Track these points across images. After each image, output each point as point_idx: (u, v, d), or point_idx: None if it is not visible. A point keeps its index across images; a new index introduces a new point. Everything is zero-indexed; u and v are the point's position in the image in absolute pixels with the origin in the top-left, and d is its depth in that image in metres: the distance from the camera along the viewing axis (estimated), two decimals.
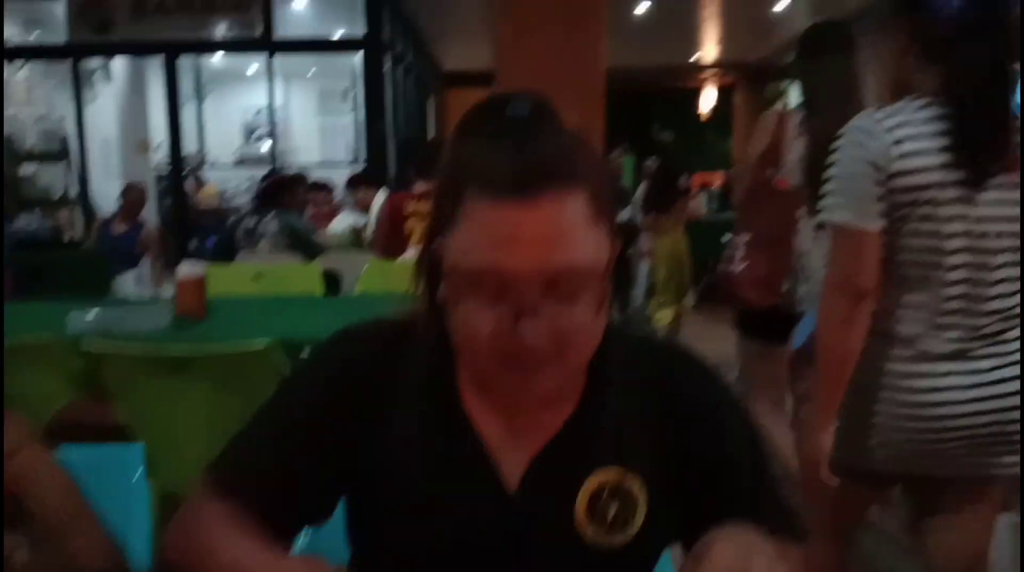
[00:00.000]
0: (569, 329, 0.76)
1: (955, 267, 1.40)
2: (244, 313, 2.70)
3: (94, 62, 7.89)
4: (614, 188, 0.99)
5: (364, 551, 0.92)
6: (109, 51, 7.65)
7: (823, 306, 1.50)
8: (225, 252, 4.14)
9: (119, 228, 5.51)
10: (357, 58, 8.01)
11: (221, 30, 7.33)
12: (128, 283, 5.10)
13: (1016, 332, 1.43)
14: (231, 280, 3.36)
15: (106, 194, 6.86)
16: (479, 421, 0.86)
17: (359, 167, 7.46)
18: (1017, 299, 1.43)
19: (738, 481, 0.89)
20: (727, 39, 10.85)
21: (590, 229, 0.77)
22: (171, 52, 7.31)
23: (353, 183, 5.63)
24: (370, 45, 7.41)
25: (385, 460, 0.87)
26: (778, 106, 2.66)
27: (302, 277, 3.28)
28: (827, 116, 1.89)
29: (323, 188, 5.74)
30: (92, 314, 2.33)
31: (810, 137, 2.24)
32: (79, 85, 7.26)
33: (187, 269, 2.52)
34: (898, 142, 1.37)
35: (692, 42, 10.91)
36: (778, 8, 8.36)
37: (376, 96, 7.25)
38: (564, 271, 0.75)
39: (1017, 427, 1.40)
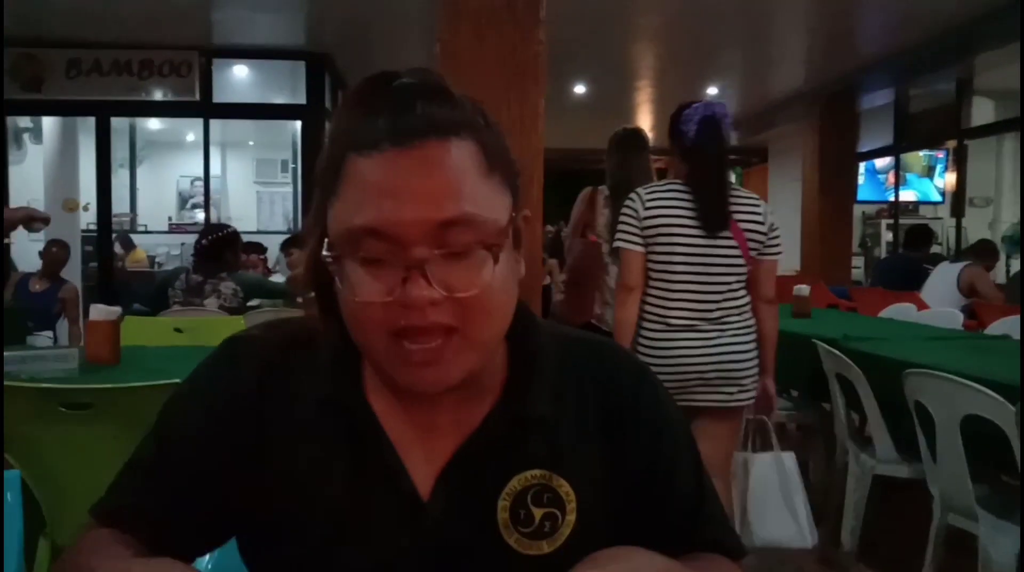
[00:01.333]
0: (466, 293, 0.68)
1: (684, 274, 2.43)
2: (159, 361, 2.56)
3: (24, 121, 7.73)
4: (505, 148, 0.88)
5: None
6: (40, 109, 7.52)
7: (615, 297, 2.61)
8: (154, 309, 3.97)
9: (38, 285, 5.28)
10: (296, 126, 8.03)
11: (158, 94, 7.28)
12: (42, 343, 4.85)
13: (735, 317, 2.45)
14: (151, 333, 3.22)
15: (27, 256, 6.61)
16: (388, 426, 0.78)
17: None
18: (734, 301, 2.45)
19: (677, 490, 0.83)
20: (660, 124, 11.24)
21: (480, 179, 0.70)
22: (104, 112, 7.21)
23: (288, 245, 5.54)
24: (310, 113, 7.44)
25: (284, 481, 0.78)
26: (588, 188, 3.58)
27: (227, 329, 3.16)
28: (623, 193, 2.72)
29: (256, 249, 5.63)
30: None
31: (612, 208, 3.25)
32: (4, 143, 7.07)
33: (99, 311, 2.39)
34: (648, 203, 2.44)
35: (626, 124, 11.27)
36: (710, 92, 8.72)
37: (315, 164, 7.24)
38: (451, 221, 0.67)
39: (735, 367, 2.42)
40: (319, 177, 0.74)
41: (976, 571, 2.19)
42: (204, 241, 3.94)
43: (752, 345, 2.47)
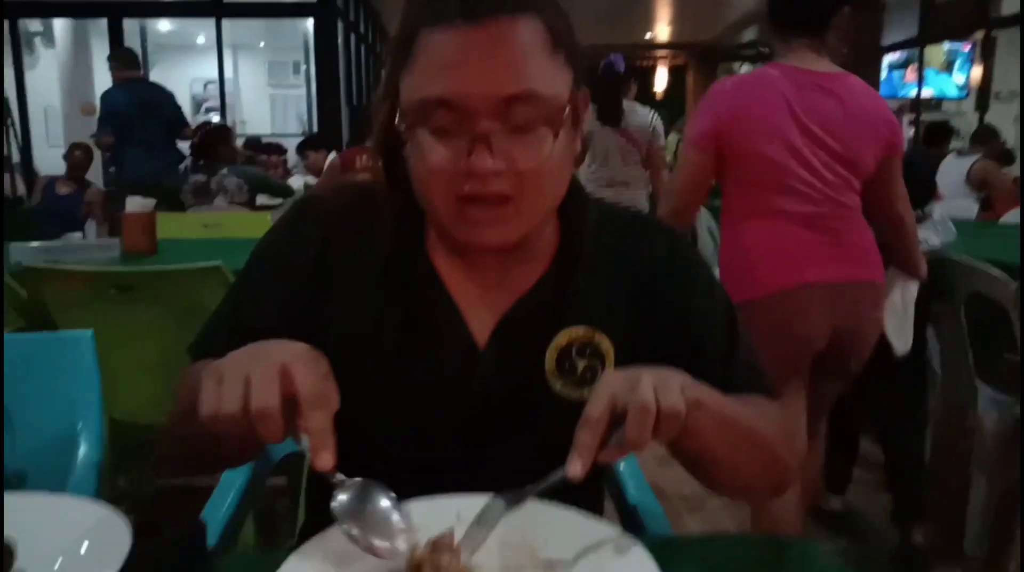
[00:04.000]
0: (526, 165, 0.75)
1: None
2: (194, 251, 2.67)
3: (34, 24, 7.67)
4: (570, 28, 0.95)
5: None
6: (49, 11, 7.45)
7: None
8: (172, 209, 4.07)
9: (64, 189, 5.38)
10: (308, 26, 7.92)
11: None
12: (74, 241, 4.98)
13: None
14: (181, 228, 3.32)
15: (49, 163, 6.68)
16: (448, 282, 0.87)
17: None
18: None
19: (708, 341, 0.90)
20: (679, 19, 10.96)
21: (545, 58, 0.75)
22: (114, 12, 7.14)
23: (304, 147, 5.59)
24: (322, 11, 7.33)
25: (352, 323, 0.87)
26: None
27: (253, 224, 3.26)
28: None
29: (276, 150, 5.67)
30: (36, 245, 2.28)
31: None
32: (18, 47, 7.04)
33: (135, 203, 2.48)
34: None
35: (645, 21, 11.00)
36: None
37: (328, 64, 7.17)
38: (516, 96, 0.73)
39: None
40: (391, 50, 0.80)
41: (971, 439, 2.32)
42: (195, 138, 4.02)
43: None
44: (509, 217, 0.78)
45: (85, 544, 0.69)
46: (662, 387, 0.66)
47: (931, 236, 2.32)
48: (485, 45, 0.73)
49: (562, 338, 0.86)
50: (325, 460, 0.64)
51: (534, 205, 0.79)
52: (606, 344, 0.87)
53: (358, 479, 0.69)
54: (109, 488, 2.20)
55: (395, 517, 0.69)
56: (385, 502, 0.69)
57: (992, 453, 2.24)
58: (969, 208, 4.32)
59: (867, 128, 1.86)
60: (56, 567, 0.68)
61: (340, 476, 0.68)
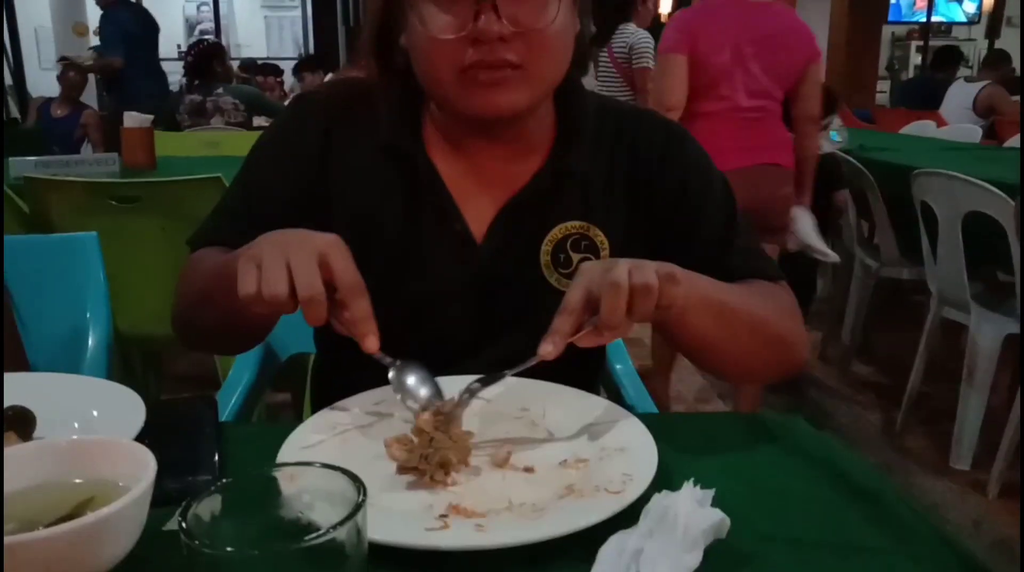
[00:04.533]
0: (533, 28, 0.76)
1: None
2: (193, 166, 2.66)
3: None
4: None
5: None
6: None
7: None
8: (168, 129, 4.04)
9: (59, 111, 5.32)
10: None
11: None
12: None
13: None
14: (180, 146, 3.30)
15: (42, 83, 6.59)
16: (446, 177, 0.88)
17: None
18: None
19: (705, 225, 0.90)
20: None
21: None
22: None
23: (300, 68, 5.51)
24: None
25: (355, 208, 0.88)
26: None
27: (252, 143, 3.23)
28: None
29: (273, 71, 5.59)
30: (36, 159, 2.28)
31: None
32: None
33: (132, 119, 2.47)
34: None
35: None
36: None
37: None
38: None
39: None
40: None
41: (962, 358, 2.36)
42: (189, 57, 3.95)
43: None
44: (517, 82, 0.78)
45: (99, 413, 0.72)
46: (636, 267, 0.67)
47: (826, 144, 2.94)
48: None
49: (557, 232, 0.88)
50: (372, 343, 0.68)
51: (540, 73, 0.80)
52: (600, 237, 0.89)
53: (398, 361, 0.73)
54: None
55: (424, 390, 0.73)
56: (420, 377, 0.74)
57: (983, 371, 2.29)
58: (973, 133, 4.29)
59: (794, 41, 2.36)
60: (73, 435, 0.70)
61: (387, 357, 0.72)
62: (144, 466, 0.51)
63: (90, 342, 1.16)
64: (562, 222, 0.88)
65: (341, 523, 0.40)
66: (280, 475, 0.46)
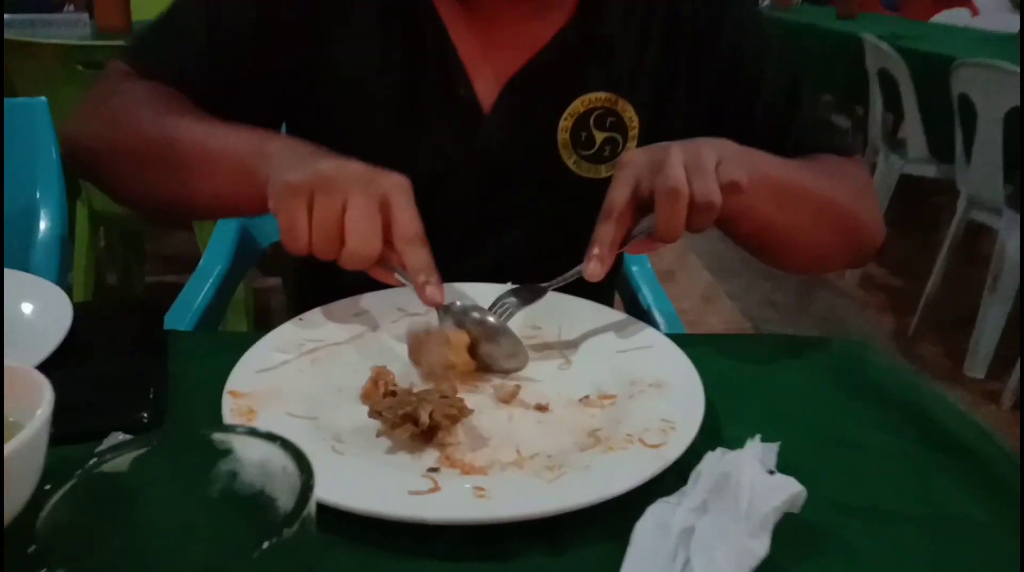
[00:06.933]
0: None
1: None
2: None
3: None
4: None
5: None
6: None
7: None
8: None
9: None
10: None
11: None
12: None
13: None
14: (158, 8, 3.06)
15: None
16: (453, 34, 0.73)
17: None
18: None
19: (763, 95, 0.77)
20: None
21: None
22: None
23: None
24: None
25: (338, 72, 0.74)
26: None
27: None
28: None
29: None
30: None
31: None
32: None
33: None
34: None
35: None
36: None
37: None
38: None
39: None
40: None
41: (981, 264, 2.25)
42: None
43: None
44: None
45: (27, 313, 0.59)
46: (695, 167, 0.55)
47: None
48: None
49: (579, 105, 0.74)
50: (434, 295, 0.56)
51: None
52: (630, 113, 0.75)
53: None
54: (98, 285, 2.15)
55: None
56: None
57: (1009, 277, 2.17)
58: (1012, 23, 4.02)
59: None
60: None
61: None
62: (40, 398, 0.39)
63: (41, 225, 1.02)
64: (585, 93, 0.74)
65: (281, 525, 0.27)
66: (207, 440, 0.32)
